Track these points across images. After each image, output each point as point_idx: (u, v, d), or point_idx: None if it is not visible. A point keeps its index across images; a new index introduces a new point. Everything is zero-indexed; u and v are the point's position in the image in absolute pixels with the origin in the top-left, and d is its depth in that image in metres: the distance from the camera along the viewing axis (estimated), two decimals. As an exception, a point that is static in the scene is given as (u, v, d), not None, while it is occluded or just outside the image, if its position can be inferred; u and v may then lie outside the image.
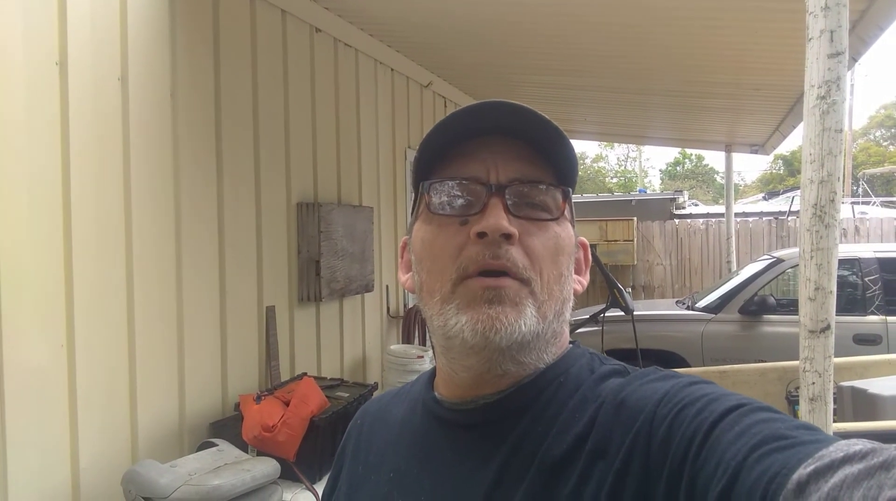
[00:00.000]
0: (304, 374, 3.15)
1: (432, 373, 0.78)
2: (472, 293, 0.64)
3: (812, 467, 0.43)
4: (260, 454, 2.50)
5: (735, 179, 9.10)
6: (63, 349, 2.18)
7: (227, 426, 2.72)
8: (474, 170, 0.67)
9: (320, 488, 2.39)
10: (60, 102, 2.18)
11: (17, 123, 2.04)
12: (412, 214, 0.74)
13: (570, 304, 0.71)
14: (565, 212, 0.69)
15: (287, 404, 2.65)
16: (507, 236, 0.63)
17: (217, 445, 2.45)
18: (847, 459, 0.42)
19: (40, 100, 2.12)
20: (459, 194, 0.67)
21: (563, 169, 0.69)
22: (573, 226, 0.72)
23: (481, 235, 0.63)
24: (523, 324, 0.63)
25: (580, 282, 0.75)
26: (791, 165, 29.54)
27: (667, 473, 0.53)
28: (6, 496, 1.98)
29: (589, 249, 0.78)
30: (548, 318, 0.66)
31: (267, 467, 2.29)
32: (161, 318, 2.59)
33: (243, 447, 2.53)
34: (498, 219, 0.63)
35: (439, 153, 0.69)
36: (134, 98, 2.46)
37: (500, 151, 0.67)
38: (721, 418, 0.53)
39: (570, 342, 0.74)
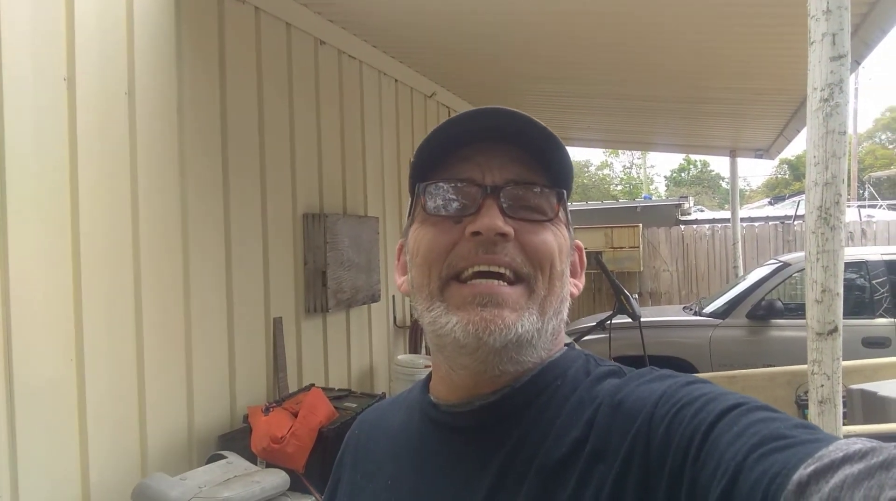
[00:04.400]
0: (312, 385, 3.15)
1: (428, 377, 0.77)
2: (462, 298, 0.64)
3: (812, 467, 0.43)
4: (269, 465, 2.50)
5: (740, 184, 9.07)
6: (72, 364, 2.19)
7: (235, 439, 2.72)
8: (469, 172, 0.67)
9: (330, 498, 2.39)
10: (68, 116, 2.20)
11: (25, 136, 2.06)
12: (408, 217, 0.74)
13: (568, 304, 0.71)
14: (560, 214, 0.69)
15: (295, 415, 2.65)
16: (503, 235, 0.64)
17: (226, 457, 2.46)
18: (847, 459, 0.42)
19: (48, 114, 2.14)
20: (455, 195, 0.67)
21: (557, 172, 0.69)
22: (569, 229, 0.72)
23: (476, 233, 0.64)
24: (520, 326, 0.63)
25: (576, 285, 0.74)
26: (797, 169, 29.43)
27: (667, 474, 0.53)
28: (17, 510, 1.99)
29: (584, 252, 0.78)
30: (547, 314, 0.66)
31: (276, 478, 2.30)
32: (169, 331, 2.60)
33: (252, 459, 2.53)
34: (493, 218, 0.63)
35: (435, 157, 0.70)
36: (141, 112, 2.48)
37: (494, 155, 0.68)
38: (720, 418, 0.52)
39: (565, 345, 0.74)
